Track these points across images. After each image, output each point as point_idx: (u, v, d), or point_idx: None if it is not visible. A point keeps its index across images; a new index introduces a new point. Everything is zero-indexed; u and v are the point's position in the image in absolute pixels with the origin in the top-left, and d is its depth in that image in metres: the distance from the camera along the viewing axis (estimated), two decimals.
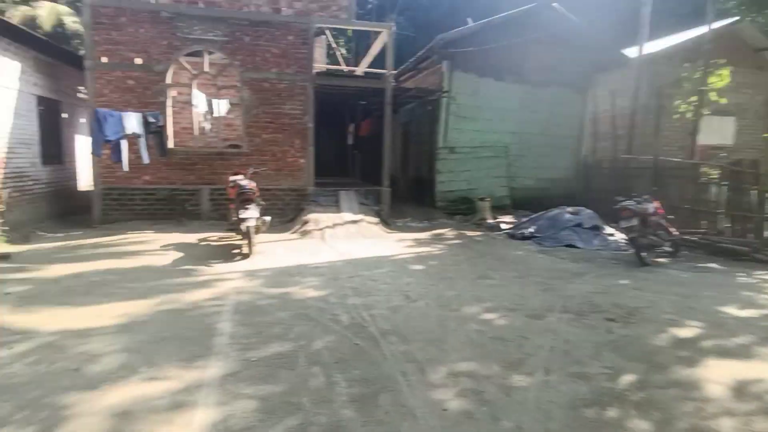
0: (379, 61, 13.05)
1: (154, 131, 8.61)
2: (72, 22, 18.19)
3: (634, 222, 7.02)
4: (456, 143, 11.87)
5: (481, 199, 11.31)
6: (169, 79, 9.50)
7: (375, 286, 5.49)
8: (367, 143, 14.96)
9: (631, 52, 12.83)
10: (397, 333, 4.05)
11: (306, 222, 8.86)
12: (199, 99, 10.21)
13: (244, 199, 6.90)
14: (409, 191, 13.60)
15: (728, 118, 14.25)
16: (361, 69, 12.85)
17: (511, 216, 11.54)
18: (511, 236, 9.59)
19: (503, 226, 10.40)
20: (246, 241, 6.87)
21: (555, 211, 9.82)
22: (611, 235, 9.17)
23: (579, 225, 9.23)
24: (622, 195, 9.71)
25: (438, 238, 9.00)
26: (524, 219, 10.80)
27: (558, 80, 12.38)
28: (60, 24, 18.83)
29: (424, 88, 11.04)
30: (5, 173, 8.17)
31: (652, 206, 7.81)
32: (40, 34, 11.91)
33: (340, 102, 14.50)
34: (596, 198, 12.10)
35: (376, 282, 5.68)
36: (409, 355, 3.59)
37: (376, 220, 9.27)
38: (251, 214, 6.73)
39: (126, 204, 9.49)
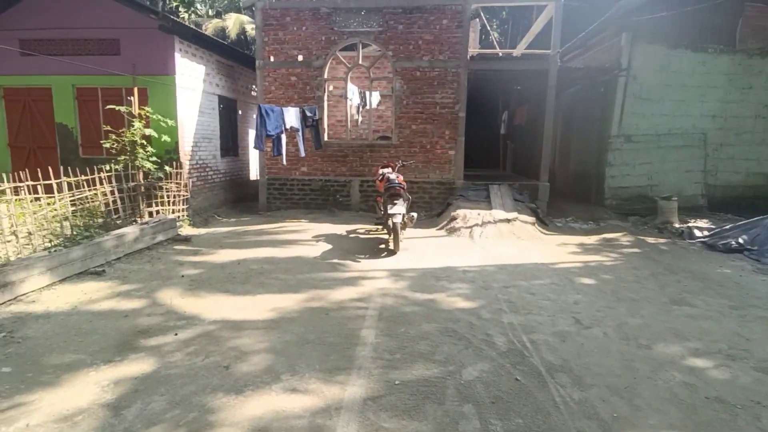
0: (538, 41, 11.71)
1: (311, 125, 8.95)
2: (251, 28, 20.49)
3: None
4: (634, 130, 9.98)
5: (666, 198, 9.32)
6: (326, 74, 9.79)
7: (535, 302, 4.67)
8: (522, 132, 13.69)
9: None
10: (569, 370, 3.24)
11: (454, 218, 8.30)
12: (353, 92, 10.37)
13: (392, 194, 6.65)
14: (569, 187, 12.02)
15: None
16: (519, 50, 11.67)
17: (707, 220, 9.31)
18: (710, 247, 7.63)
19: (697, 233, 8.38)
20: (392, 237, 6.63)
21: None
22: None
23: None
24: None
25: (609, 244, 7.59)
26: (728, 225, 8.56)
27: None
28: (243, 32, 21.44)
29: (598, 67, 9.45)
30: (191, 164, 9.36)
31: None
32: (227, 42, 13.52)
33: (493, 88, 13.50)
34: None
35: (535, 296, 4.85)
36: (589, 408, 2.78)
37: (531, 219, 8.25)
38: (398, 210, 6.44)
39: (286, 194, 10.15)
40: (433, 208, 9.76)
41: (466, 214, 8.30)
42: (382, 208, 7.03)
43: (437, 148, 9.65)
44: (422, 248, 6.98)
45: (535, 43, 11.82)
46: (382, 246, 6.94)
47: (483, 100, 14.51)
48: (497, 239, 7.53)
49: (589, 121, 11.08)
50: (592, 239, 7.92)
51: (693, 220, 9.36)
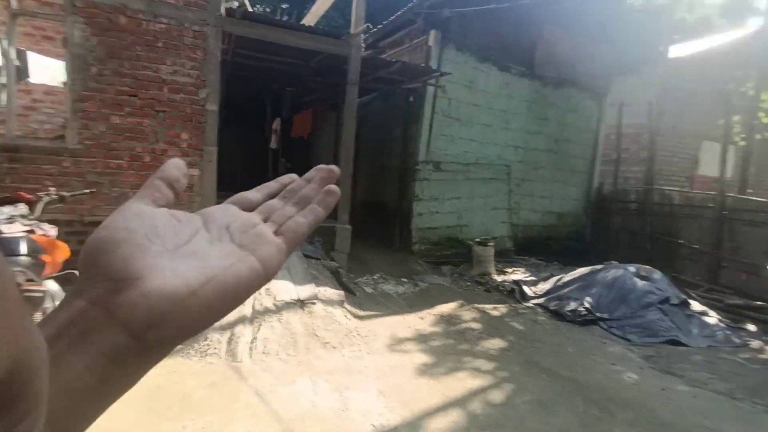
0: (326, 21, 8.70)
1: None
2: None
3: None
4: (443, 157, 7.91)
5: (482, 243, 7.45)
6: None
7: None
8: (304, 148, 10.45)
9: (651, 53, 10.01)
10: None
11: None
12: None
13: None
14: (362, 225, 9.27)
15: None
16: (311, 19, 8.39)
17: (523, 269, 7.83)
18: (555, 314, 5.82)
19: (528, 291, 6.61)
20: None
21: (614, 273, 6.25)
22: (704, 314, 5.80)
23: (666, 300, 5.73)
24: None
25: (457, 331, 4.86)
26: (547, 277, 7.16)
27: (573, 80, 9.08)
28: None
29: (415, 66, 6.98)
30: None
31: None
32: None
33: (259, 83, 9.82)
34: (612, 241, 8.94)
35: None
36: None
37: (338, 293, 4.86)
38: None
39: None
40: None
41: None
42: None
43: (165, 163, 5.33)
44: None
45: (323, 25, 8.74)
46: None
47: (245, 99, 10.65)
48: (287, 358, 3.78)
49: (390, 140, 8.61)
50: (425, 321, 5.06)
51: (509, 269, 7.77)
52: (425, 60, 7.44)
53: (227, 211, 0.36)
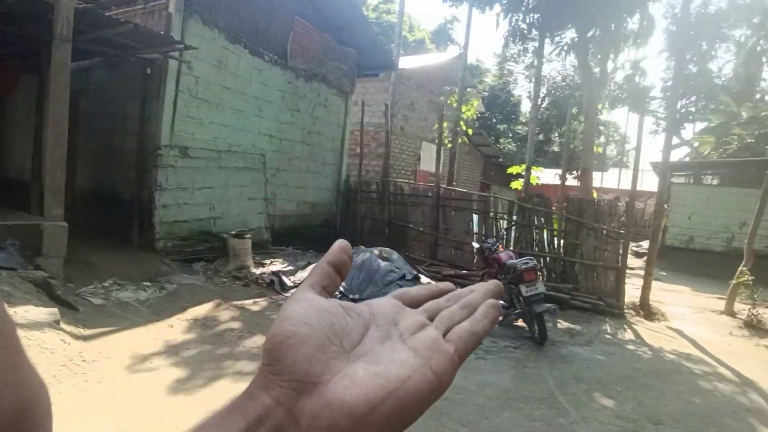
0: None
1: None
2: None
3: (540, 288, 4.94)
4: (191, 142, 7.10)
5: (238, 236, 7.08)
6: None
7: None
8: None
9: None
10: None
11: None
12: None
13: None
14: (87, 221, 7.42)
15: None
16: None
17: (281, 260, 7.79)
18: None
19: (287, 280, 6.62)
20: None
21: (362, 256, 6.88)
22: (429, 284, 7.00)
23: (403, 277, 6.64)
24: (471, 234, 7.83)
25: (210, 330, 4.40)
26: (305, 266, 7.36)
27: (323, 75, 9.52)
28: None
29: (151, 31, 5.78)
30: None
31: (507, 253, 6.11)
32: None
33: None
34: (358, 228, 9.94)
35: None
36: None
37: (48, 312, 3.69)
38: None
39: None
40: None
41: None
42: None
43: None
44: None
45: None
46: None
47: None
48: None
49: (121, 119, 7.16)
50: (176, 328, 4.42)
51: (267, 261, 7.62)
52: (165, 28, 6.45)
53: (393, 305, 0.37)
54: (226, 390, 3.28)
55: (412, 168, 13.77)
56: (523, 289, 4.88)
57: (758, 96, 18.03)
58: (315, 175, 9.73)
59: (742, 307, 7.62)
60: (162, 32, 6.03)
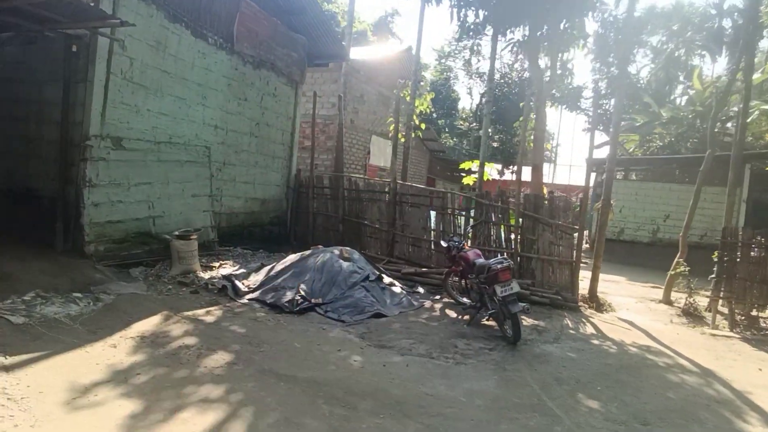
0: None
1: None
2: None
3: (515, 288, 4.86)
4: (126, 132, 6.30)
5: (182, 237, 6.42)
6: None
7: None
8: None
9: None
10: None
11: None
12: None
13: None
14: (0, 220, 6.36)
15: (387, 141, 14.90)
16: None
17: (230, 262, 7.22)
18: (273, 307, 5.56)
19: (240, 285, 6.08)
20: None
21: (322, 257, 6.49)
22: (392, 285, 6.80)
23: (366, 278, 6.35)
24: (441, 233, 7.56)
25: (162, 348, 3.86)
26: (258, 268, 6.83)
27: (272, 62, 8.91)
28: None
29: (75, 0, 4.91)
30: None
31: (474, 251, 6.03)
32: None
33: None
34: (310, 225, 9.51)
35: None
36: None
37: None
38: None
39: None
40: None
41: None
42: None
43: None
44: None
45: None
46: None
47: None
48: None
49: (37, 104, 6.18)
50: (120, 349, 3.83)
51: (215, 263, 7.01)
52: (94, 0, 5.62)
53: None
54: (191, 424, 2.84)
55: (362, 162, 13.48)
56: (498, 289, 4.79)
57: (675, 98, 19.68)
58: (264, 170, 9.14)
59: (678, 296, 8.19)
60: (90, 3, 5.21)
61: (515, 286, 4.84)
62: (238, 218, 8.51)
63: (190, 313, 4.94)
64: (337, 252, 6.68)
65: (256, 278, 6.42)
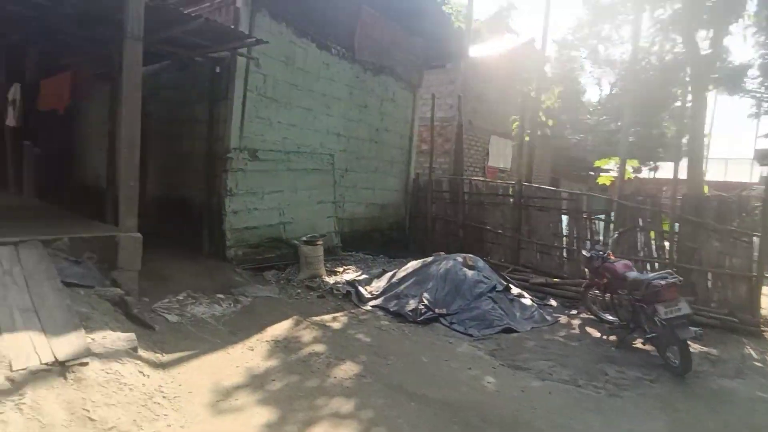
0: None
1: None
2: None
3: (684, 309, 4.05)
4: (260, 144, 6.73)
5: (309, 243, 6.63)
6: None
7: None
8: (61, 126, 7.79)
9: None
10: None
11: None
12: None
13: None
14: (156, 226, 7.28)
15: (507, 141, 14.11)
16: None
17: (353, 268, 7.30)
18: (397, 315, 5.42)
19: (363, 291, 6.07)
20: None
21: (444, 264, 6.20)
22: (521, 296, 6.22)
23: (493, 288, 5.90)
24: (582, 241, 6.96)
25: (294, 354, 3.92)
26: (379, 274, 6.77)
27: (391, 68, 8.92)
28: None
29: (222, 27, 5.43)
30: None
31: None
32: None
33: None
34: (429, 231, 9.26)
35: None
36: None
37: (125, 337, 3.32)
38: None
39: None
40: None
41: None
42: None
43: None
44: None
45: None
46: None
47: None
48: None
49: (190, 122, 6.93)
50: (257, 352, 3.97)
51: (339, 268, 7.14)
52: (233, 24, 6.09)
53: None
54: None
55: (481, 164, 12.91)
56: (661, 309, 4.01)
57: None
58: (383, 175, 9.17)
59: None
60: (232, 26, 5.63)
61: (684, 307, 4.00)
62: (359, 223, 8.64)
63: (317, 318, 5.01)
64: (460, 259, 6.34)
65: (378, 284, 6.37)
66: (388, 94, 8.99)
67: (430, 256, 6.79)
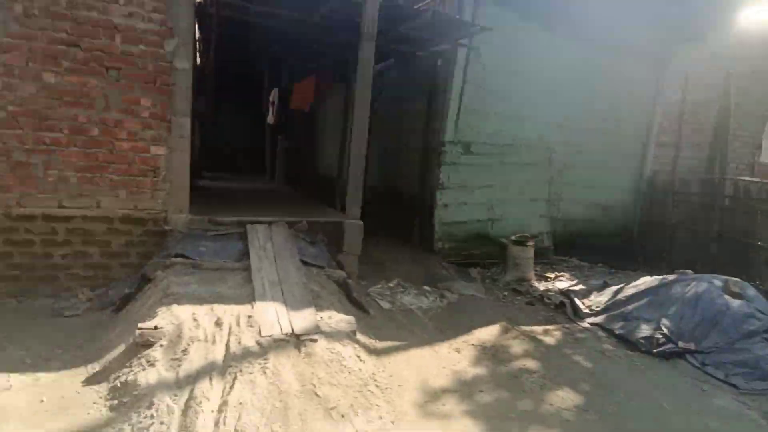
0: None
1: None
2: None
3: None
4: (474, 136, 6.54)
5: (519, 242, 6.14)
6: None
7: None
8: (305, 123, 9.11)
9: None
10: None
11: (146, 345, 2.93)
12: None
13: None
14: (374, 216, 7.86)
15: None
16: None
17: (567, 275, 6.52)
18: (623, 340, 4.54)
19: (580, 305, 5.31)
20: None
21: (694, 287, 4.93)
22: None
23: None
24: None
25: (503, 366, 3.60)
26: (600, 286, 5.81)
27: (627, 45, 7.59)
28: None
29: (448, 17, 5.43)
30: None
31: None
32: None
33: (256, 46, 8.35)
34: (667, 241, 7.58)
35: None
36: None
37: (347, 321, 3.55)
38: None
39: None
40: (109, 287, 4.08)
41: (185, 330, 3.02)
42: None
43: (119, 137, 4.03)
44: None
45: None
46: None
47: (239, 65, 9.24)
48: None
49: (408, 117, 7.23)
50: (463, 355, 3.79)
51: (550, 273, 6.47)
52: (457, 14, 5.98)
53: None
54: None
55: (747, 160, 10.05)
56: None
57: None
58: (609, 172, 7.93)
59: None
60: (458, 16, 5.54)
61: None
62: (575, 226, 7.68)
63: (527, 328, 4.56)
64: (718, 283, 4.94)
65: (598, 299, 5.49)
66: (623, 75, 7.68)
67: (668, 272, 5.54)
